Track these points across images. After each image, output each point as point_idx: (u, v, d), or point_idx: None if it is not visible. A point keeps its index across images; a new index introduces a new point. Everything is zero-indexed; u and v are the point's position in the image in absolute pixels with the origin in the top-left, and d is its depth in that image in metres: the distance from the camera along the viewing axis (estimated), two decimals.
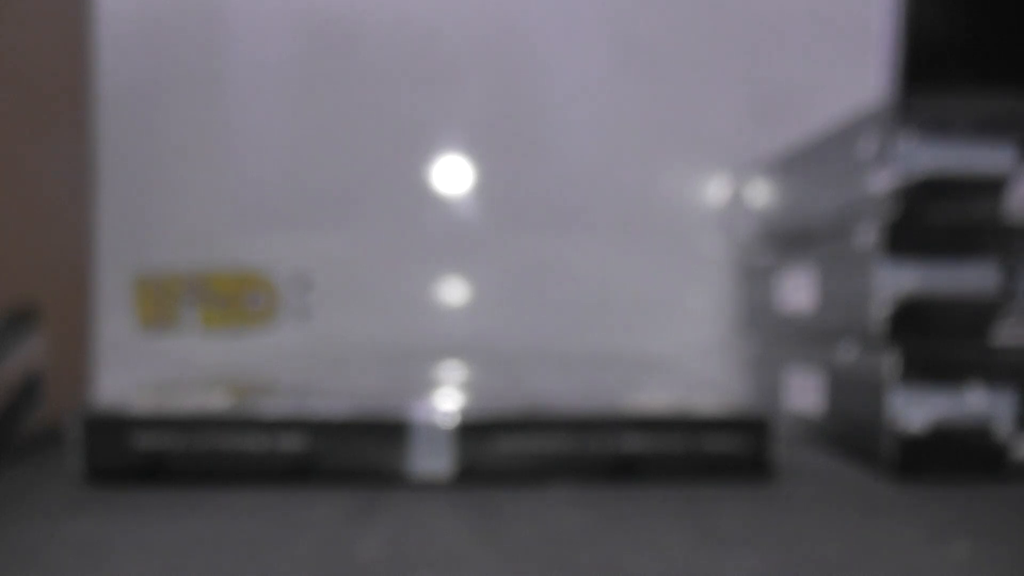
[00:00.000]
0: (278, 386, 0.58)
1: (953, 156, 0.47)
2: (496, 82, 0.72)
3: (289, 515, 0.39)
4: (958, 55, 0.69)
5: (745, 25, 0.72)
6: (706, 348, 0.72)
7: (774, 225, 0.65)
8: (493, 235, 0.72)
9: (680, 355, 0.72)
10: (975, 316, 0.47)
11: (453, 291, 0.72)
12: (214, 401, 0.48)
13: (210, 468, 0.44)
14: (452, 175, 0.72)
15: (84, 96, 0.66)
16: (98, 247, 0.69)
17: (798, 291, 0.59)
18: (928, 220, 0.47)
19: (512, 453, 0.45)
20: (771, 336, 0.65)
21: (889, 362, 0.47)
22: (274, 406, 0.46)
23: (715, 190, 0.73)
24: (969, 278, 0.47)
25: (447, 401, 0.47)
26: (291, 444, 0.45)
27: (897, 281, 0.47)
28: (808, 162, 0.59)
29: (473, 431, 0.45)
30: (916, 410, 0.47)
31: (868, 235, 0.48)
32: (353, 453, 0.45)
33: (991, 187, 0.47)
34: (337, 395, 0.51)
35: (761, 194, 0.67)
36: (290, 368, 0.69)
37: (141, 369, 0.69)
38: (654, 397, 0.53)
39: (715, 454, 0.46)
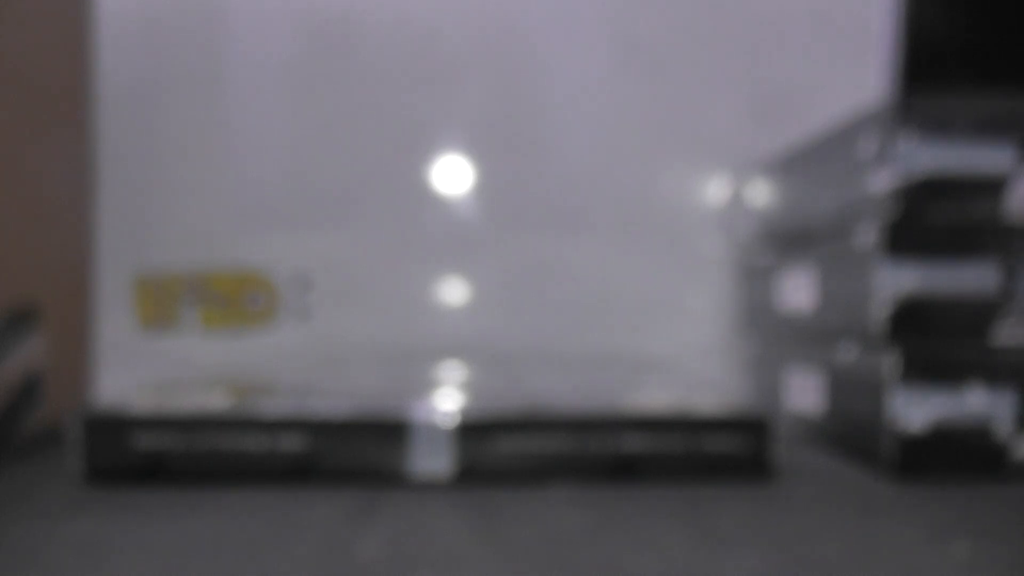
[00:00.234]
0: (278, 386, 0.58)
1: (953, 156, 0.47)
2: (496, 82, 0.72)
3: (289, 515, 0.39)
4: (958, 55, 0.69)
5: (745, 25, 0.72)
6: (706, 348, 0.72)
7: (774, 225, 0.65)
8: (493, 235, 0.72)
9: (680, 355, 0.72)
10: (975, 316, 0.47)
11: (453, 291, 0.72)
12: (214, 401, 0.48)
13: (210, 468, 0.44)
14: (452, 175, 0.72)
15: (84, 96, 0.66)
16: (98, 247, 0.69)
17: (798, 291, 0.59)
18: (928, 220, 0.47)
19: (512, 453, 0.45)
20: (771, 336, 0.65)
21: (889, 362, 0.47)
22: (274, 406, 0.46)
23: (715, 190, 0.73)
24: (969, 278, 0.47)
25: (447, 401, 0.47)
26: (291, 444, 0.45)
27: (897, 281, 0.47)
28: (808, 162, 0.59)
29: (473, 431, 0.45)
30: (916, 410, 0.47)
31: (868, 235, 0.48)
32: (353, 453, 0.45)
33: (991, 187, 0.47)
34: (337, 395, 0.51)
35: (761, 194, 0.67)
36: (290, 368, 0.69)
37: (141, 369, 0.69)
38: (654, 397, 0.53)
39: (715, 454, 0.46)
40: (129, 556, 0.33)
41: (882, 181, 0.47)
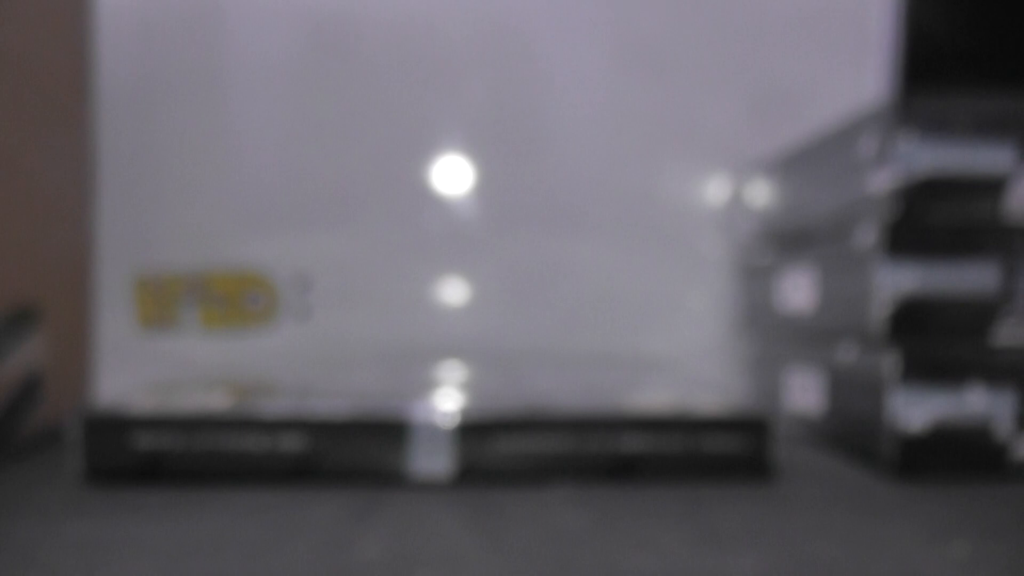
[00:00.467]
0: (278, 386, 0.58)
1: (953, 156, 0.47)
2: (496, 82, 0.72)
3: (289, 515, 0.39)
4: (958, 55, 0.69)
5: (745, 25, 0.72)
6: (706, 348, 0.72)
7: (774, 225, 0.65)
8: (493, 235, 0.72)
9: (680, 355, 0.72)
10: (975, 316, 0.47)
11: (453, 291, 0.72)
12: (214, 401, 0.48)
13: (210, 468, 0.44)
14: (452, 175, 0.72)
15: (84, 95, 0.66)
16: (98, 247, 0.69)
17: (798, 291, 0.59)
18: (928, 220, 0.47)
19: (512, 453, 0.45)
20: (771, 336, 0.65)
21: (889, 362, 0.47)
22: (274, 406, 0.46)
23: (715, 190, 0.73)
24: (969, 278, 0.47)
25: (447, 401, 0.47)
26: (291, 444, 0.45)
27: (897, 281, 0.47)
28: (808, 162, 0.59)
29: (473, 431, 0.45)
30: (916, 410, 0.47)
31: (868, 235, 0.48)
32: (353, 453, 0.45)
33: (991, 187, 0.47)
34: (337, 395, 0.51)
35: (761, 194, 0.67)
36: (290, 368, 0.69)
37: (141, 369, 0.69)
38: (654, 397, 0.53)
39: (715, 454, 0.46)
40: (129, 556, 0.33)
41: (882, 181, 0.47)
